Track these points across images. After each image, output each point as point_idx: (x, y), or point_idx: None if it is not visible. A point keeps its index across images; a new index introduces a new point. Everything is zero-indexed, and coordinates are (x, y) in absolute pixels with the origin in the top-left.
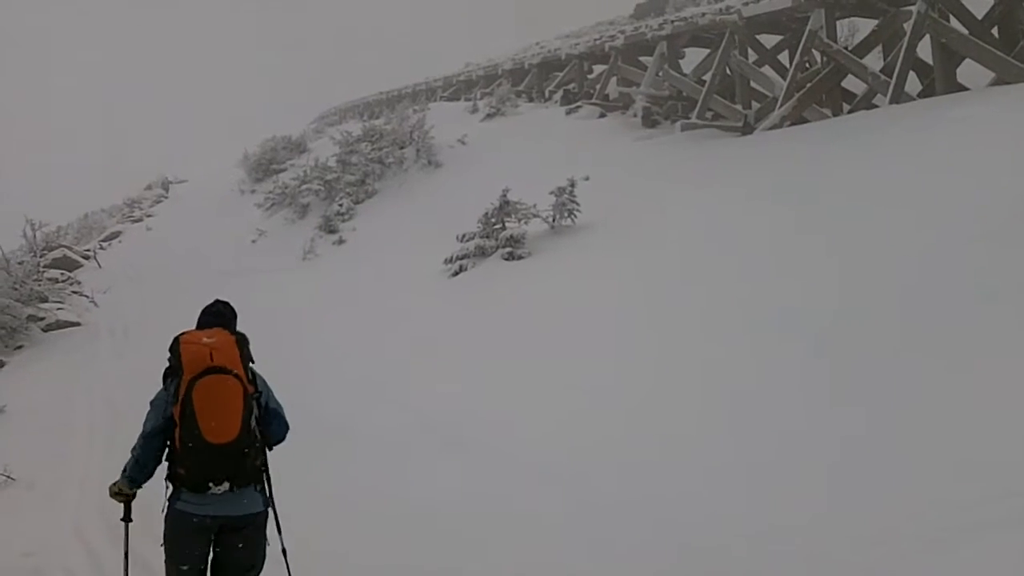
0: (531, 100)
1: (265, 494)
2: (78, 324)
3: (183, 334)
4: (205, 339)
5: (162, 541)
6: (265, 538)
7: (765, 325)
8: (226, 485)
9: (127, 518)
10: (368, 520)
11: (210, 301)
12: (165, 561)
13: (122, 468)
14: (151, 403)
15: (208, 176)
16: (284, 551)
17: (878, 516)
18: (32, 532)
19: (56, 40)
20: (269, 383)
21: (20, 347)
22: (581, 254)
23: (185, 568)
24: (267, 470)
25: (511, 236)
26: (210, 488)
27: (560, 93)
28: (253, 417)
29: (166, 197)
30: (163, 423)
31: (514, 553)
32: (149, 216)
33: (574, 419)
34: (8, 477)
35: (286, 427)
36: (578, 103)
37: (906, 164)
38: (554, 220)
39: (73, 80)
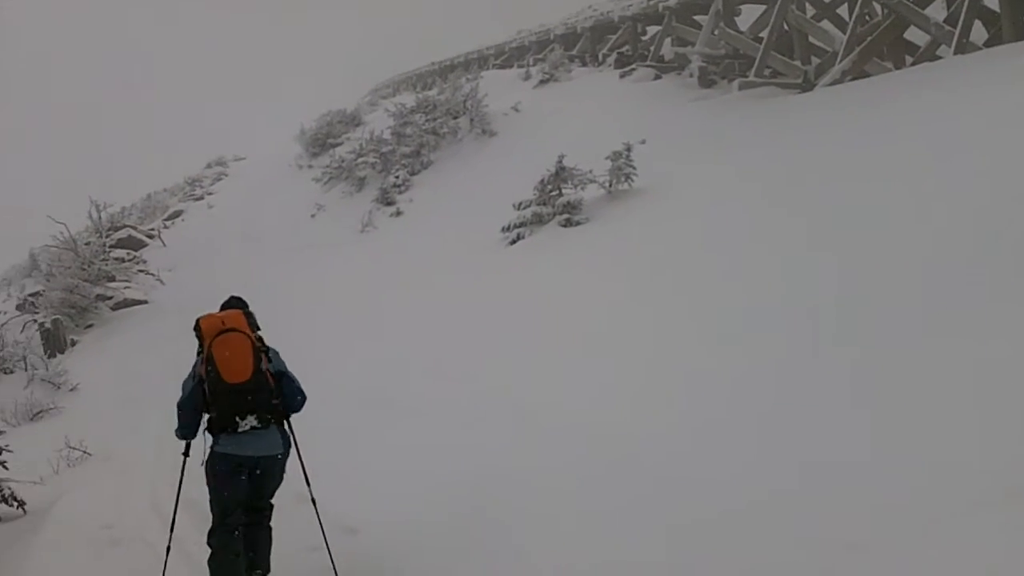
0: (584, 64)
1: (287, 437)
2: (145, 302)
3: (201, 316)
4: (218, 314)
5: (206, 481)
6: (284, 470)
7: (837, 296)
8: (251, 420)
9: (186, 452)
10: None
11: (267, 275)
12: (210, 500)
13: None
14: (182, 384)
15: (266, 152)
16: (313, 500)
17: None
18: (110, 504)
19: (111, 19)
20: (332, 356)
21: (90, 326)
22: (639, 219)
23: (227, 501)
24: (287, 417)
25: (568, 202)
26: (238, 425)
27: (614, 56)
28: (262, 364)
29: (226, 175)
30: (192, 390)
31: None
32: (210, 194)
33: (640, 388)
34: (85, 452)
35: (300, 394)
36: (632, 66)
37: (974, 117)
38: (611, 185)
39: (130, 59)
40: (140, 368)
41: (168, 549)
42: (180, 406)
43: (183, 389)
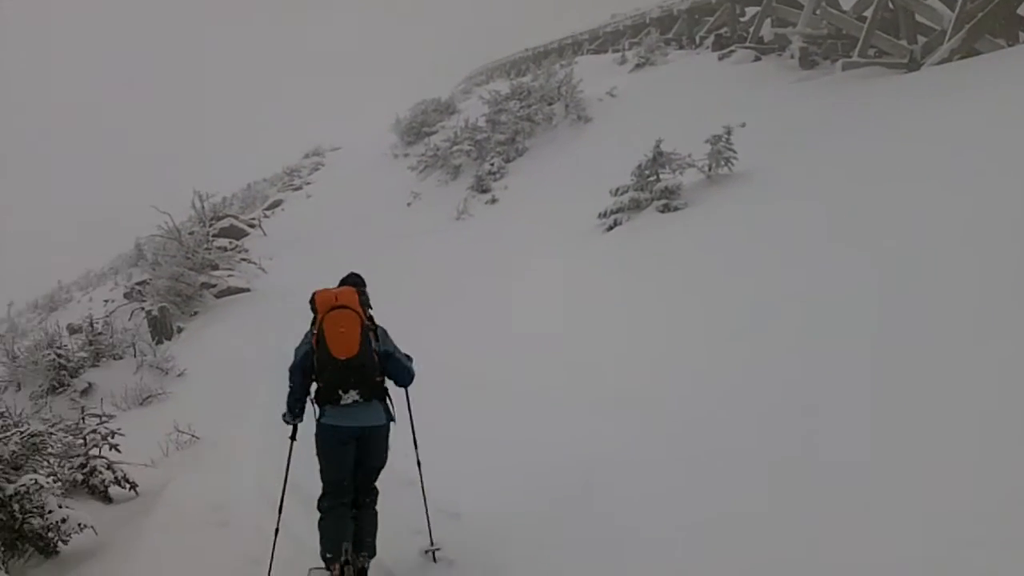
0: (681, 47)
1: (389, 411)
2: (248, 290)
3: (318, 290)
4: (333, 290)
5: (316, 451)
6: (387, 446)
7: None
8: (353, 394)
9: (293, 437)
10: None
11: (366, 263)
12: (320, 469)
13: (286, 405)
14: (295, 349)
15: (361, 142)
16: (419, 463)
17: None
18: (218, 488)
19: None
20: (432, 341)
21: (195, 313)
22: (740, 204)
23: (336, 469)
24: (387, 392)
25: (666, 187)
26: (341, 398)
27: (711, 39)
28: (370, 342)
29: (323, 165)
30: (303, 356)
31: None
32: (308, 184)
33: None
34: (193, 436)
35: (408, 373)
36: (731, 48)
37: None
38: (710, 169)
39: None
40: (244, 354)
41: (276, 531)
42: (292, 370)
43: (295, 354)
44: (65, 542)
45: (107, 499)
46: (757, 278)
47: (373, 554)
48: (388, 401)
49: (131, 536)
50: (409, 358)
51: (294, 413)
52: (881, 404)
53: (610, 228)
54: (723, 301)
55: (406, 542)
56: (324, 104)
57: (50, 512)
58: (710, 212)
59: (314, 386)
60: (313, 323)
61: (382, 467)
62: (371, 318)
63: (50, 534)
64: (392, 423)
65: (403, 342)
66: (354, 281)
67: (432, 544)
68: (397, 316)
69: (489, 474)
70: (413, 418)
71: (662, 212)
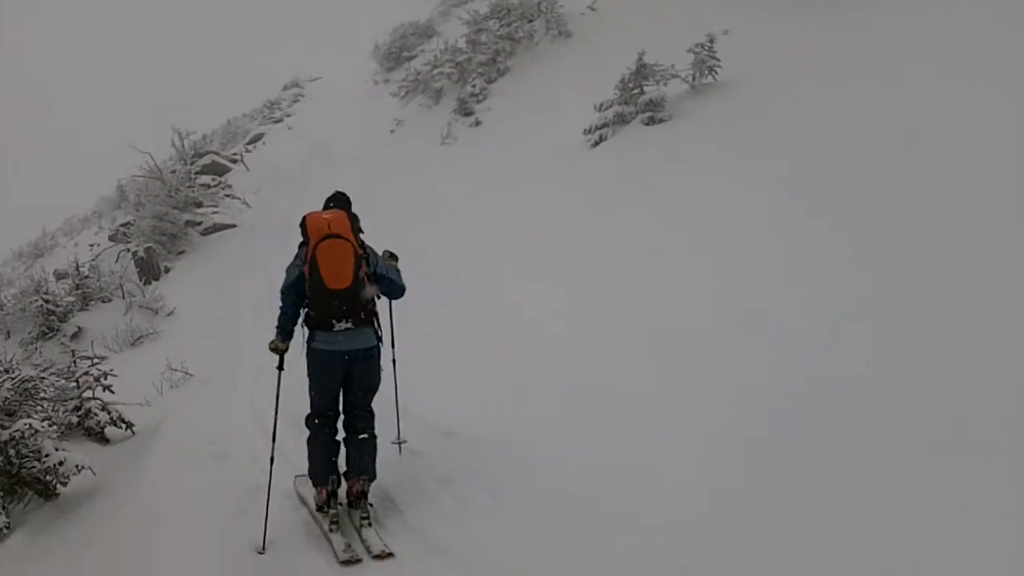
0: None
1: (378, 334)
2: (234, 226)
3: (309, 213)
4: (325, 216)
5: (307, 374)
6: (379, 367)
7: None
8: (346, 323)
9: (280, 367)
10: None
11: (350, 193)
12: (309, 389)
13: (275, 326)
14: (286, 269)
15: (341, 70)
16: (394, 361)
17: None
18: (214, 422)
19: None
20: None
21: (182, 252)
22: (724, 115)
23: (325, 391)
24: (378, 317)
25: (650, 100)
26: (334, 326)
27: None
28: (362, 271)
29: (303, 96)
30: (295, 280)
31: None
32: (289, 116)
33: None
34: (187, 373)
35: (399, 288)
36: None
37: None
38: (694, 79)
39: None
40: (234, 290)
41: (272, 460)
42: (284, 291)
43: (287, 274)
44: (64, 484)
45: (104, 440)
46: (745, 189)
47: (373, 477)
48: (376, 323)
49: (130, 475)
50: (394, 257)
51: (284, 334)
52: (879, 315)
53: (596, 144)
54: (712, 212)
55: (403, 461)
56: (302, 32)
57: (47, 456)
58: (695, 123)
59: (305, 312)
60: (302, 246)
61: (375, 387)
62: (363, 244)
63: (48, 477)
64: (381, 344)
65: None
66: (341, 201)
67: (399, 437)
68: (384, 240)
69: (486, 400)
70: (393, 321)
71: (647, 125)
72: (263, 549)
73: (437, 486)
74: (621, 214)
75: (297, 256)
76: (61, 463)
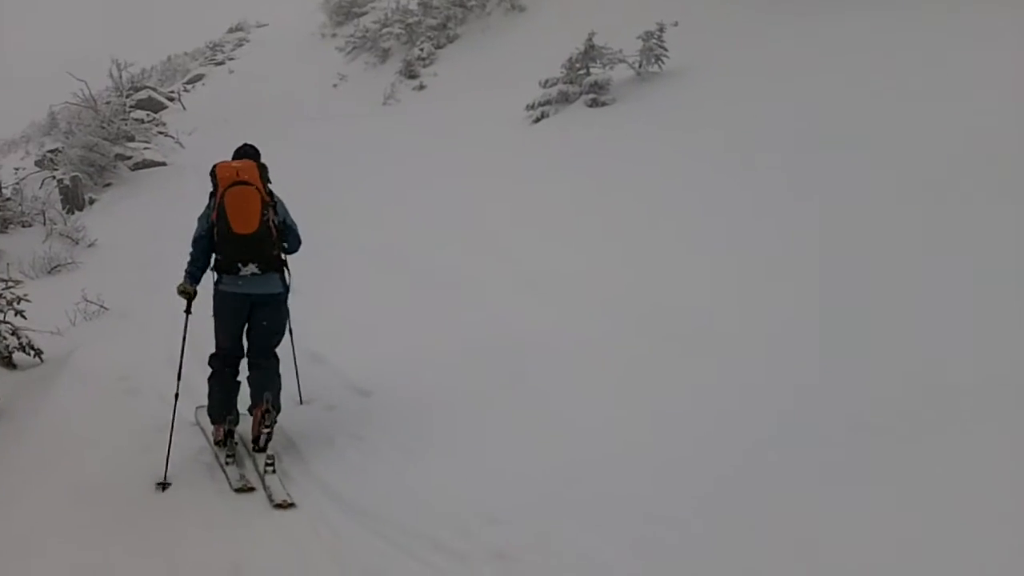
0: None
1: (285, 281)
2: (164, 164)
3: (218, 163)
4: (234, 164)
5: (212, 314)
6: (285, 314)
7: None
8: (252, 267)
9: (188, 310)
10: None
11: (286, 143)
12: (215, 329)
13: (184, 271)
14: (198, 219)
15: (289, 19)
16: (291, 331)
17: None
18: (127, 358)
19: None
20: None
21: (109, 185)
22: (667, 103)
23: (228, 332)
24: (286, 265)
25: (595, 82)
26: (240, 269)
27: None
28: (269, 218)
29: (247, 41)
30: (205, 228)
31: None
32: (231, 59)
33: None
34: (102, 307)
35: (298, 240)
36: None
37: None
38: (640, 66)
39: None
40: (158, 228)
41: (176, 396)
42: (195, 240)
43: (199, 223)
44: None
45: (11, 365)
46: (677, 175)
47: (278, 410)
48: (285, 271)
49: (36, 403)
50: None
51: (192, 279)
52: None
53: (537, 120)
54: (645, 194)
55: (321, 416)
56: None
57: None
58: (636, 109)
59: (214, 256)
60: (213, 193)
61: (280, 332)
62: (271, 193)
63: None
64: (287, 291)
65: (322, 221)
66: (250, 153)
67: (299, 393)
68: (316, 196)
69: (408, 359)
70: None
71: (590, 107)
72: (164, 481)
73: (347, 441)
74: (552, 186)
75: (208, 206)
76: None
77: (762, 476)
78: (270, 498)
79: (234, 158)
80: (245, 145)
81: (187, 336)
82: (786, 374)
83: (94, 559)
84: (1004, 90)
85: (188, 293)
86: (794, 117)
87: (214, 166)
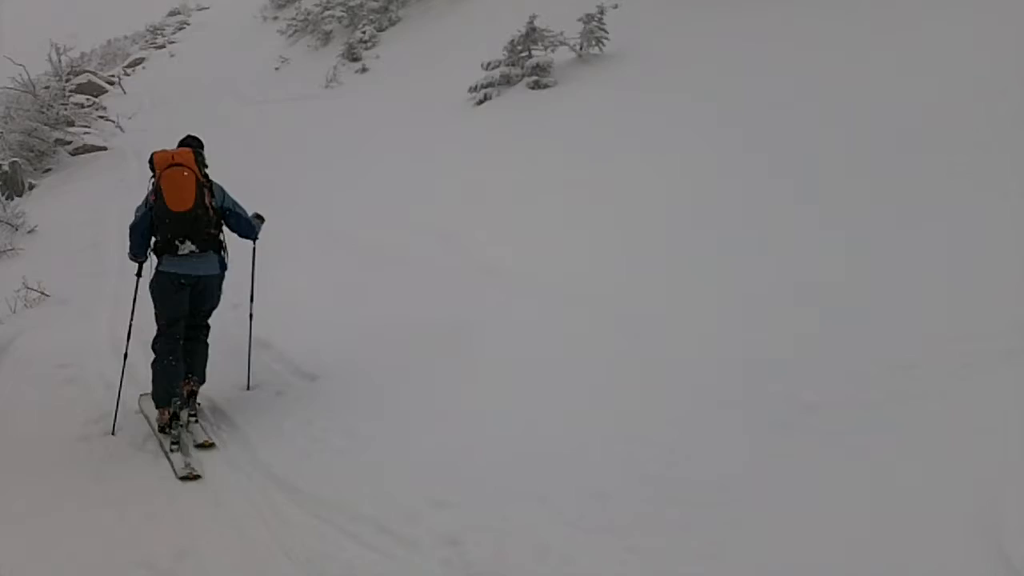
0: None
1: (223, 262)
2: (104, 148)
3: (156, 151)
4: (170, 151)
5: (151, 295)
6: (220, 292)
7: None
8: (190, 245)
9: (139, 274)
10: None
11: (227, 127)
12: (155, 311)
13: (128, 255)
14: (136, 209)
15: (230, 2)
16: (251, 316)
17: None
18: (68, 345)
19: None
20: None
21: (48, 170)
22: (607, 85)
23: (169, 313)
24: (223, 245)
25: (537, 64)
26: (178, 248)
27: None
28: (205, 198)
29: (188, 24)
30: (142, 217)
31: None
32: (172, 43)
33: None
34: (43, 293)
35: (250, 226)
36: None
37: None
38: (581, 48)
39: None
40: (99, 213)
41: (123, 371)
42: (132, 228)
43: (135, 213)
44: None
45: None
46: (621, 154)
47: (203, 380)
48: (223, 252)
49: None
50: (259, 217)
51: (135, 256)
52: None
53: (480, 102)
54: (588, 175)
55: (269, 402)
56: None
57: None
58: (577, 91)
59: (153, 239)
60: (151, 180)
61: (213, 308)
62: (207, 176)
63: None
64: (225, 271)
65: (267, 203)
66: (191, 144)
67: (249, 379)
68: (261, 180)
69: (353, 338)
70: (255, 275)
71: (532, 89)
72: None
73: (294, 426)
74: (496, 167)
75: (146, 195)
76: None
77: (719, 458)
78: (193, 440)
79: (178, 147)
80: (188, 136)
81: (136, 304)
82: (745, 348)
83: (31, 546)
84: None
85: (138, 259)
86: (737, 92)
87: (152, 154)
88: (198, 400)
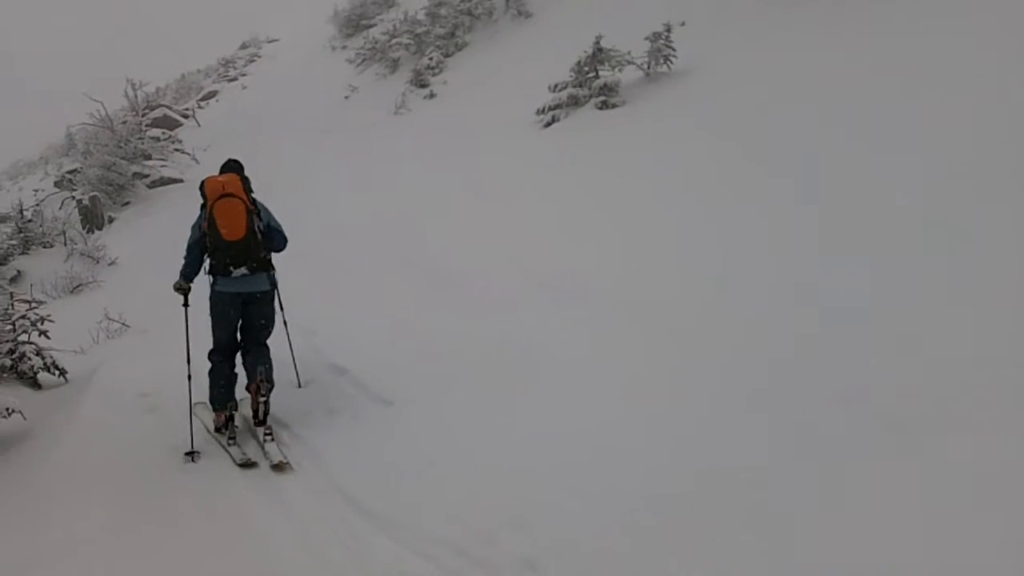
0: None
1: (272, 279)
2: (181, 180)
3: (206, 178)
4: (220, 179)
5: (209, 313)
6: (274, 308)
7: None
8: (243, 269)
9: (186, 303)
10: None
11: (300, 156)
12: (212, 326)
13: (180, 272)
14: (191, 227)
15: (299, 34)
16: (285, 322)
17: None
18: (147, 375)
19: None
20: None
21: (127, 203)
22: (678, 103)
23: (223, 327)
24: (271, 264)
25: (605, 84)
26: (232, 272)
27: None
28: (255, 225)
29: (259, 56)
30: (198, 237)
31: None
32: (244, 75)
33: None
34: (124, 324)
35: (284, 239)
36: None
37: None
38: (649, 67)
39: None
40: (176, 244)
41: (189, 377)
42: (189, 247)
43: (192, 232)
44: None
45: (36, 385)
46: (693, 174)
47: (272, 385)
48: (272, 271)
49: (61, 422)
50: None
51: (185, 278)
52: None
53: (548, 124)
54: (657, 196)
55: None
56: None
57: None
58: (647, 110)
59: (208, 261)
60: (203, 207)
61: (270, 325)
62: (254, 201)
63: None
64: (275, 288)
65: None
66: (234, 167)
67: (298, 376)
68: (333, 207)
69: (422, 360)
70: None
71: (600, 109)
72: (192, 451)
73: (370, 448)
74: (567, 189)
75: (199, 216)
76: None
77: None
78: (269, 461)
79: (221, 172)
80: (230, 160)
81: (189, 330)
82: (794, 371)
83: (108, 567)
84: None
85: (183, 289)
86: (808, 116)
87: (203, 181)
88: (270, 425)
